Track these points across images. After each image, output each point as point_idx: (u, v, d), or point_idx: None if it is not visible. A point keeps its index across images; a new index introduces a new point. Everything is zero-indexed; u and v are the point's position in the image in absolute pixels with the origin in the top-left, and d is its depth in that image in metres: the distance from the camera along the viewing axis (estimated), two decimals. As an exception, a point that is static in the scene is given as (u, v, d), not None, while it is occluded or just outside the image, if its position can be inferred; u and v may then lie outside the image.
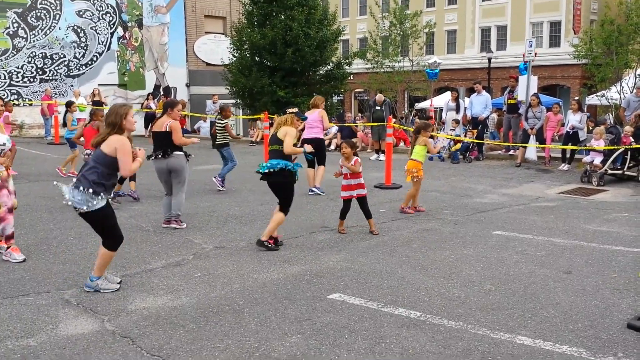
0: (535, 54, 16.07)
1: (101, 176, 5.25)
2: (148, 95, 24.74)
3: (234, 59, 24.51)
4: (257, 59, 23.98)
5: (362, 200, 7.78)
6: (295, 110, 7.20)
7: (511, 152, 16.04)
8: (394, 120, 13.54)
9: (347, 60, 25.56)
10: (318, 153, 10.31)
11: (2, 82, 22.65)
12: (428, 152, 9.20)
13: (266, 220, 8.46)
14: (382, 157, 14.96)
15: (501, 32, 41.31)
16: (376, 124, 16.13)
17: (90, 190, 5.17)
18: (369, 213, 7.79)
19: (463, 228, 8.14)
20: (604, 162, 11.88)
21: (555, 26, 39.10)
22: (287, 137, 6.89)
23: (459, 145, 15.02)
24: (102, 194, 5.24)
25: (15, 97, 22.88)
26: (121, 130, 5.34)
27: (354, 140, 10.26)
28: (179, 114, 8.19)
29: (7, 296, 5.34)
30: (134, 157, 5.42)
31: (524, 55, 16.45)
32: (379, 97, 16.91)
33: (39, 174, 12.71)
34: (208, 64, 29.06)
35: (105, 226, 5.38)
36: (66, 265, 6.29)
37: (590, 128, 17.15)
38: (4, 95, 22.30)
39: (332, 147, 18.10)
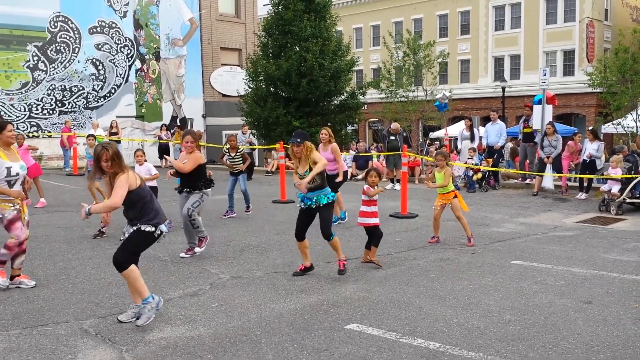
0: (546, 94, 15.88)
1: None
2: (161, 126, 25.01)
3: (250, 90, 24.77)
4: (272, 89, 24.21)
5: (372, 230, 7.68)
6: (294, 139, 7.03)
7: (528, 180, 15.96)
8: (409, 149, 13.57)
9: (361, 90, 25.75)
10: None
11: (22, 114, 23.03)
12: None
13: (282, 250, 8.52)
14: (398, 186, 14.96)
15: (514, 62, 41.44)
16: (391, 153, 16.18)
17: None
18: (376, 242, 7.67)
19: (481, 257, 8.08)
20: (621, 190, 11.79)
21: (568, 55, 39.20)
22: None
23: (480, 174, 14.96)
24: None
25: (35, 129, 23.26)
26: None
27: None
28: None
29: (27, 326, 5.37)
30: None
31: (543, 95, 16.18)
32: (395, 125, 16.94)
33: (57, 205, 12.84)
34: (224, 95, 29.39)
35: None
36: (85, 295, 6.32)
37: (607, 157, 17.05)
38: (24, 127, 22.67)
39: (347, 177, 17.99)
